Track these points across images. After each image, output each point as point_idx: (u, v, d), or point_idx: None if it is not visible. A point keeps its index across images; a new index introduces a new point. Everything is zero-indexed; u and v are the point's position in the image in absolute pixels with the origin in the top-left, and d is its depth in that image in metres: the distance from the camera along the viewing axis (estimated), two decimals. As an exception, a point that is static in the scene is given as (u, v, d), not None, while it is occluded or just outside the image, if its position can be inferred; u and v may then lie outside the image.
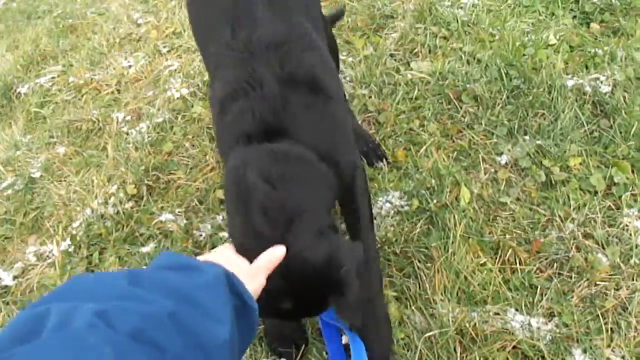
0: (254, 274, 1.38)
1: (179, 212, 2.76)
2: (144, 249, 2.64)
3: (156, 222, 2.73)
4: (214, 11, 2.02)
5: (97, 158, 3.14)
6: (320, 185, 1.74)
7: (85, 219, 2.79)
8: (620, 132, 2.67)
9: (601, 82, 2.90)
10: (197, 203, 2.78)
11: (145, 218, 2.75)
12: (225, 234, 2.60)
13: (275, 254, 1.48)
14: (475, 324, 2.15)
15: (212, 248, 2.54)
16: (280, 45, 1.81)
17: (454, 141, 2.80)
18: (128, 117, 3.38)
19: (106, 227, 2.73)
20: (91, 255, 2.66)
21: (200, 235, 2.65)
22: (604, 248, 2.32)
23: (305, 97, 1.78)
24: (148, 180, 2.93)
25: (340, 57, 3.30)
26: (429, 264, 2.35)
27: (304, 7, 2.04)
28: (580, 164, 2.59)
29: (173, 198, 2.83)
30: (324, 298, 1.57)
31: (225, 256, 1.45)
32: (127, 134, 3.26)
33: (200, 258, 1.37)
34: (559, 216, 2.42)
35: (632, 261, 2.27)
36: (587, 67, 3.02)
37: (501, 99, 2.89)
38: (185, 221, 2.71)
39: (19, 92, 3.93)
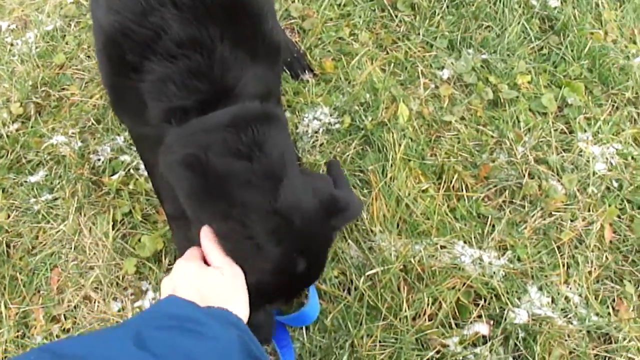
0: (237, 282, 1.23)
1: (72, 133, 2.32)
2: (33, 178, 2.21)
3: (46, 145, 2.28)
4: None
5: (-26, 71, 2.62)
6: (283, 129, 1.42)
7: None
8: (572, 51, 2.43)
9: (549, -4, 2.64)
10: (94, 122, 2.34)
11: (34, 142, 2.30)
12: (126, 158, 2.21)
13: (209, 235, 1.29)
14: (420, 259, 1.89)
15: (113, 174, 2.17)
16: None
17: (388, 52, 2.48)
18: (13, 26, 2.83)
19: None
20: (-31, 192, 2.20)
21: (99, 159, 2.23)
22: (559, 175, 2.10)
23: (227, 28, 1.34)
24: (36, 98, 2.45)
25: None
26: (365, 190, 2.07)
27: None
28: (529, 82, 2.34)
29: (66, 117, 2.38)
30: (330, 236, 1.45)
31: (200, 279, 1.21)
32: (12, 45, 2.73)
33: (168, 285, 1.22)
34: (509, 138, 2.18)
35: (589, 190, 2.07)
36: (532, -21, 2.75)
37: (441, 8, 2.58)
38: (80, 144, 2.28)
39: None
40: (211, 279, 1.19)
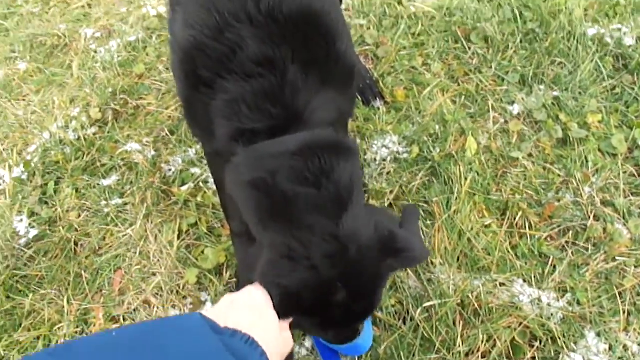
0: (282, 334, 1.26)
1: (146, 142, 2.46)
2: (105, 182, 2.36)
3: (121, 151, 2.44)
4: None
5: (61, 77, 2.81)
6: (353, 159, 1.45)
7: (42, 144, 2.49)
8: (645, 91, 2.42)
9: (624, 34, 2.62)
10: (168, 133, 2.48)
11: (109, 147, 2.45)
12: (196, 170, 2.32)
13: None
14: (479, 294, 1.92)
15: (182, 185, 2.29)
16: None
17: (459, 84, 2.52)
18: (98, 34, 3.03)
19: (64, 154, 2.44)
20: (46, 184, 2.38)
21: (170, 169, 2.37)
22: (625, 219, 2.09)
23: (303, 51, 1.38)
24: (115, 104, 2.61)
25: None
26: (428, 222, 2.11)
27: None
28: (600, 122, 2.34)
29: (141, 126, 2.53)
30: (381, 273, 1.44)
31: (259, 313, 1.23)
32: (96, 52, 2.92)
33: (225, 312, 1.17)
34: (576, 178, 2.18)
35: (656, 236, 2.05)
36: (608, 17, 2.73)
37: (514, 42, 2.61)
38: (153, 152, 2.42)
39: (-20, 0, 3.53)
40: (268, 316, 1.24)
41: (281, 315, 1.26)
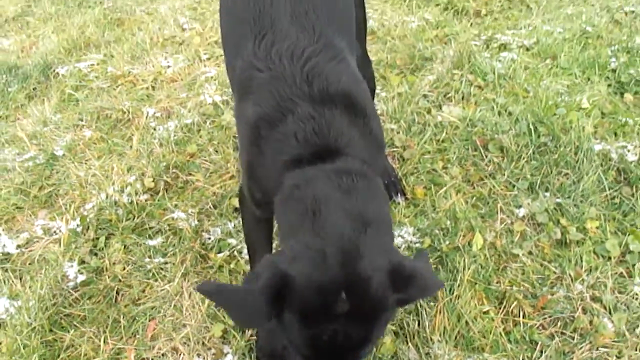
0: None
1: (191, 212, 2.77)
2: (151, 242, 2.64)
3: (167, 218, 2.74)
4: (240, 24, 1.93)
5: (121, 147, 3.18)
6: (383, 198, 1.68)
7: (98, 203, 2.81)
8: (642, 202, 2.66)
9: (628, 151, 2.90)
10: (211, 207, 2.79)
11: (158, 212, 2.77)
12: (233, 241, 2.61)
13: None
14: (470, 370, 2.12)
15: (219, 252, 2.56)
16: (305, 58, 1.74)
17: (474, 187, 2.80)
18: (158, 114, 3.42)
19: (117, 215, 2.74)
20: (97, 238, 2.67)
21: (209, 238, 2.65)
22: (610, 313, 2.28)
23: (342, 114, 1.70)
24: (167, 177, 2.95)
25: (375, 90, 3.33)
26: (431, 303, 2.33)
27: (333, 20, 1.93)
28: (598, 227, 2.57)
29: (188, 198, 2.85)
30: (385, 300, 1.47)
31: None
32: (155, 129, 3.29)
33: None
34: (570, 275, 2.39)
35: (638, 330, 2.23)
36: (616, 135, 3.02)
37: (527, 153, 2.90)
38: (196, 222, 2.72)
39: (57, 73, 4.03)
40: None
41: (266, 300, 1.37)
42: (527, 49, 3.76)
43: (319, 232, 1.49)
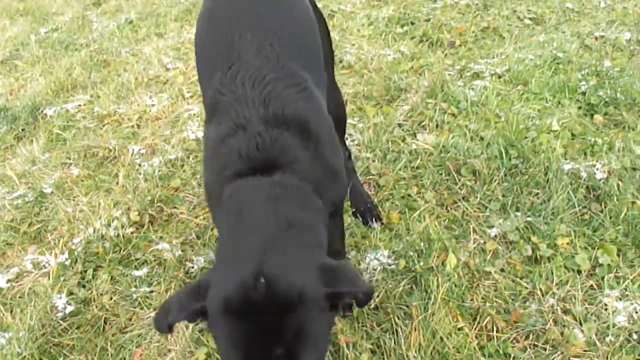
0: None
1: (175, 242, 2.86)
2: (137, 272, 2.73)
3: (153, 249, 2.83)
4: (211, 57, 2.05)
5: (108, 183, 3.29)
6: (316, 213, 1.74)
7: (86, 237, 2.90)
8: (610, 217, 2.75)
9: (597, 169, 3.00)
10: (195, 237, 2.89)
11: (143, 244, 2.86)
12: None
13: None
14: (445, 385, 2.20)
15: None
16: (265, 83, 1.83)
17: (448, 211, 2.90)
18: (143, 151, 3.53)
19: (104, 247, 2.84)
20: (85, 271, 2.77)
21: (192, 267, 2.74)
22: (581, 324, 2.36)
23: (293, 136, 1.79)
24: (152, 211, 3.05)
25: (351, 121, 3.47)
26: (407, 321, 2.41)
27: (298, 53, 2.04)
28: (568, 243, 2.65)
29: (173, 230, 2.94)
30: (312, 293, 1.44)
31: None
32: (140, 165, 3.41)
33: None
34: (540, 290, 2.48)
35: (607, 339, 2.30)
36: (585, 154, 3.13)
37: (499, 175, 3.00)
38: (180, 252, 2.81)
39: (45, 114, 4.16)
40: None
41: (184, 295, 1.49)
42: (500, 77, 3.88)
43: (240, 229, 1.59)
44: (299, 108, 1.84)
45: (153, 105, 4.02)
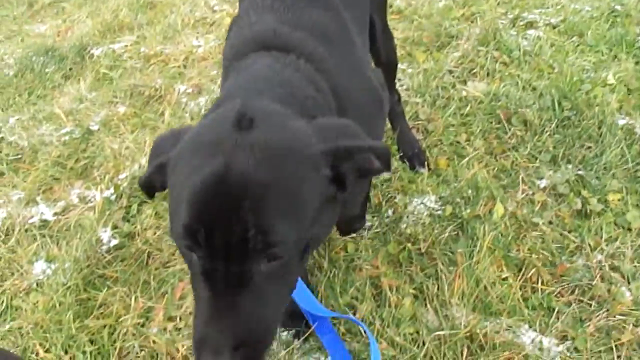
0: None
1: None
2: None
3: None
4: None
5: (154, 122, 3.29)
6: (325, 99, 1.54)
7: (131, 173, 2.93)
8: (665, 176, 2.67)
9: (654, 126, 2.91)
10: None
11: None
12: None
13: None
14: (486, 332, 2.17)
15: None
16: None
17: (497, 160, 2.84)
18: (189, 90, 3.52)
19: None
20: (130, 206, 2.80)
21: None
22: (629, 282, 2.31)
23: (312, 36, 1.64)
24: (197, 150, 3.04)
25: (401, 66, 3.39)
26: (451, 268, 2.38)
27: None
28: (619, 200, 2.59)
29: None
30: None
31: None
32: (186, 104, 3.40)
33: None
34: (589, 245, 2.42)
35: (655, 299, 2.26)
36: (640, 110, 3.03)
37: (550, 127, 2.92)
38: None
39: (92, 54, 4.18)
40: None
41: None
42: (554, 27, 3.75)
43: (237, 84, 1.47)
44: (319, 17, 1.73)
45: (199, 46, 4.00)
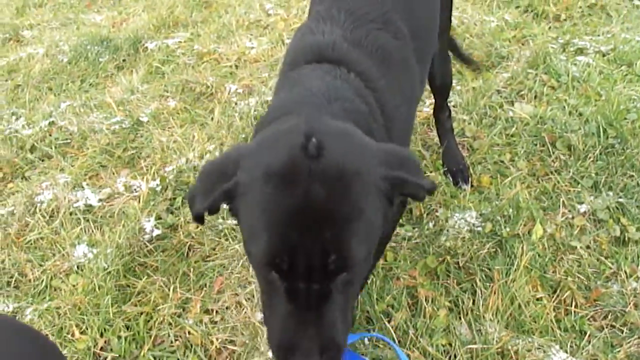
0: None
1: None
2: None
3: (242, 184, 2.90)
4: None
5: (203, 118, 3.37)
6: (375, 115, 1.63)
7: (178, 166, 3.00)
8: None
9: (697, 161, 2.91)
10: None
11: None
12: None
13: None
14: (517, 349, 2.20)
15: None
16: (359, 17, 1.80)
17: (539, 182, 2.86)
18: (240, 90, 3.60)
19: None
20: (174, 198, 2.87)
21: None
22: (662, 312, 2.33)
23: (369, 56, 1.72)
24: (246, 149, 3.11)
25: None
26: (487, 284, 2.42)
27: (407, 16, 1.95)
28: (659, 230, 2.60)
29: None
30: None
31: None
32: (236, 104, 3.48)
33: None
34: (625, 272, 2.44)
35: (688, 331, 2.27)
36: (687, 143, 3.03)
37: (594, 153, 2.94)
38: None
39: (146, 47, 4.28)
40: None
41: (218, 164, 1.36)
42: (604, 55, 3.77)
43: (290, 98, 1.53)
44: (385, 43, 1.80)
45: (252, 47, 4.08)
